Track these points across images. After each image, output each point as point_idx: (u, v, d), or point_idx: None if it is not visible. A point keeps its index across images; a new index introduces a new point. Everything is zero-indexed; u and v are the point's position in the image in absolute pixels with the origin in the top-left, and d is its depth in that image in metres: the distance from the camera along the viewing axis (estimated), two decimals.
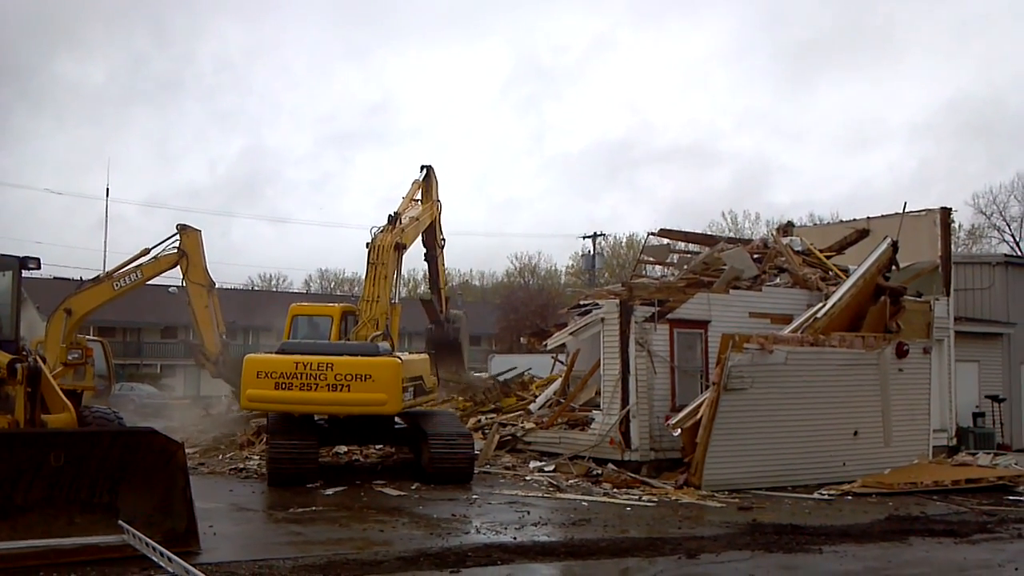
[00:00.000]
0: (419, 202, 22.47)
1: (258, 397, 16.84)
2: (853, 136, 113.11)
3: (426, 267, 24.54)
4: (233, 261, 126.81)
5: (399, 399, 16.50)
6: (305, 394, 16.36)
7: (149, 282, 27.26)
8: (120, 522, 10.13)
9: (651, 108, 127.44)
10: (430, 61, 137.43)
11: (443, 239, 24.01)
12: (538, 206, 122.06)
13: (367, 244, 19.56)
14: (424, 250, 23.81)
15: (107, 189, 70.64)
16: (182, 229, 26.51)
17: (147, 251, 26.56)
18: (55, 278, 60.20)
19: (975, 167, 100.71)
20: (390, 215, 20.30)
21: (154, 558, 9.34)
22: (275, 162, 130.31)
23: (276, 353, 17.33)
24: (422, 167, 22.96)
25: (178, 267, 26.40)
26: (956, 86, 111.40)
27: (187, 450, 20.41)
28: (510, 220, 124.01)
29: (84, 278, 57.74)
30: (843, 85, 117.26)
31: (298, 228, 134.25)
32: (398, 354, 17.28)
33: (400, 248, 19.72)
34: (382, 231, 19.76)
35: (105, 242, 73.55)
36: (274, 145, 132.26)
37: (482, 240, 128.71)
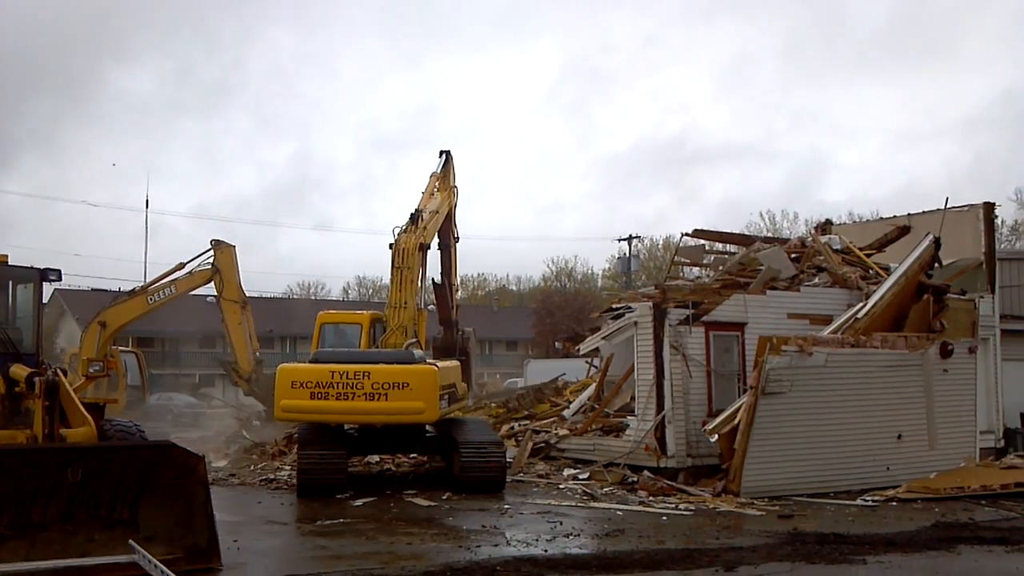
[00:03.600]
0: (438, 192, 21.45)
1: (293, 408, 16.57)
2: (908, 131, 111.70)
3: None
4: (275, 270, 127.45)
5: (436, 407, 16.24)
6: (341, 403, 16.12)
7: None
8: (130, 541, 9.89)
9: (701, 107, 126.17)
10: (478, 65, 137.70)
11: (457, 235, 22.70)
12: (584, 209, 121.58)
13: (390, 245, 18.94)
14: (437, 239, 21.84)
15: (147, 200, 71.08)
16: (216, 245, 26.59)
17: (182, 265, 26.85)
18: (94, 290, 60.78)
19: None
20: (412, 213, 19.55)
21: None
22: (322, 169, 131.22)
23: (310, 362, 17.13)
24: (441, 152, 22.02)
25: (212, 283, 26.50)
26: (1013, 77, 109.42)
27: (219, 462, 20.47)
28: (555, 223, 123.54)
29: (123, 289, 58.59)
30: (898, 80, 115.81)
31: (342, 236, 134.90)
32: (432, 361, 16.97)
33: (424, 248, 19.12)
34: (405, 231, 19.09)
35: (145, 253, 74.43)
36: (321, 152, 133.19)
37: (523, 245, 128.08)
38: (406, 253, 18.75)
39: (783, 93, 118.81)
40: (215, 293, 26.85)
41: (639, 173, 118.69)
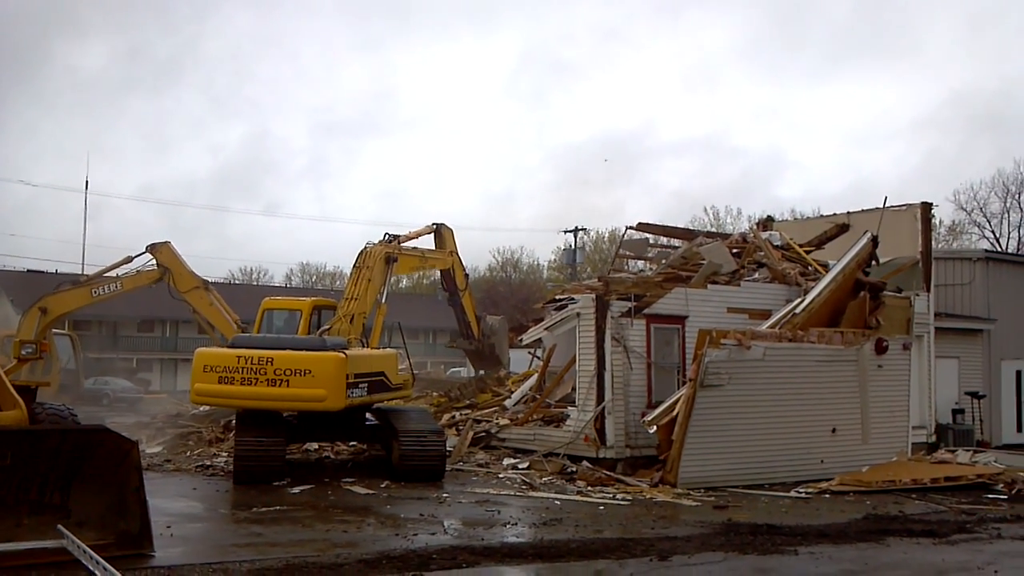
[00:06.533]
0: (436, 251, 23.60)
1: (204, 391, 16.55)
2: (865, 130, 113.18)
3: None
4: (218, 255, 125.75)
5: (341, 395, 15.96)
6: (246, 388, 16.01)
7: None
8: (59, 527, 9.72)
9: (662, 101, 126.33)
10: (439, 52, 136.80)
11: (466, 275, 24.92)
12: (538, 199, 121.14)
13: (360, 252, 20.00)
14: (446, 293, 24.89)
15: (86, 182, 69.92)
16: (152, 248, 26.47)
17: (130, 259, 26.65)
18: (30, 271, 59.61)
19: (983, 159, 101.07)
20: (388, 233, 20.83)
21: (89, 566, 8.92)
22: (272, 153, 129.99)
23: (228, 347, 17.06)
24: (433, 224, 23.80)
25: (162, 281, 26.41)
26: (964, 80, 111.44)
27: (154, 447, 20.20)
28: (508, 213, 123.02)
29: (60, 271, 57.48)
30: (857, 79, 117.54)
31: (289, 222, 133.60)
32: (347, 349, 16.73)
33: (391, 260, 19.89)
34: (377, 243, 20.18)
35: (84, 236, 73.22)
36: (273, 135, 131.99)
37: (473, 234, 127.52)
38: (368, 256, 19.58)
39: (744, 89, 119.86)
40: (173, 288, 26.59)
41: (596, 165, 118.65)
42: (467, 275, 25.20)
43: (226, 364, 16.20)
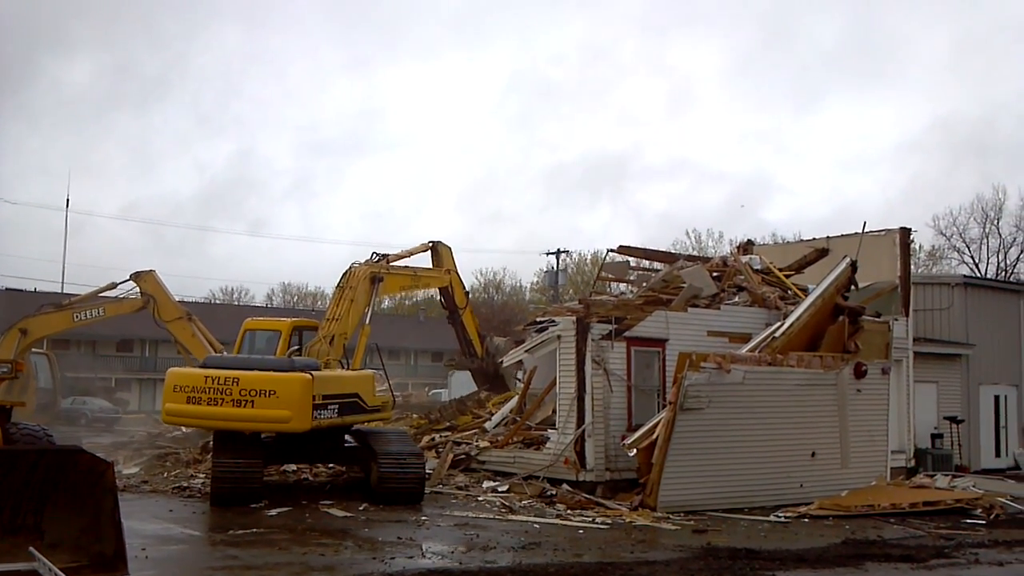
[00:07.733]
0: (433, 269, 23.90)
1: (174, 411, 16.57)
2: (850, 155, 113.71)
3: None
4: (199, 274, 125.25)
5: (307, 416, 15.85)
6: (212, 409, 15.98)
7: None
8: (30, 549, 9.59)
9: (649, 124, 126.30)
10: (426, 72, 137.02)
11: (466, 292, 25.13)
12: (524, 220, 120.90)
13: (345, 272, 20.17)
14: (446, 312, 25.01)
15: (67, 200, 69.15)
16: (136, 276, 26.50)
17: (114, 285, 26.69)
18: (8, 289, 59.20)
19: (967, 184, 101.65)
20: (376, 253, 21.22)
21: None
22: (258, 172, 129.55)
23: (199, 367, 17.09)
24: (429, 241, 24.05)
25: (146, 309, 26.43)
26: (950, 105, 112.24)
27: (130, 468, 20.03)
28: (494, 234, 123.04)
29: (39, 289, 57.05)
30: (844, 102, 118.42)
31: (272, 242, 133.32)
32: (317, 370, 16.63)
33: (375, 280, 20.03)
34: (363, 263, 20.33)
35: (64, 255, 72.66)
36: (259, 154, 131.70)
37: (462, 256, 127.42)
38: (352, 276, 19.81)
39: (731, 112, 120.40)
40: (157, 317, 26.55)
41: (582, 186, 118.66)
42: (467, 293, 25.33)
43: (194, 384, 16.19)
